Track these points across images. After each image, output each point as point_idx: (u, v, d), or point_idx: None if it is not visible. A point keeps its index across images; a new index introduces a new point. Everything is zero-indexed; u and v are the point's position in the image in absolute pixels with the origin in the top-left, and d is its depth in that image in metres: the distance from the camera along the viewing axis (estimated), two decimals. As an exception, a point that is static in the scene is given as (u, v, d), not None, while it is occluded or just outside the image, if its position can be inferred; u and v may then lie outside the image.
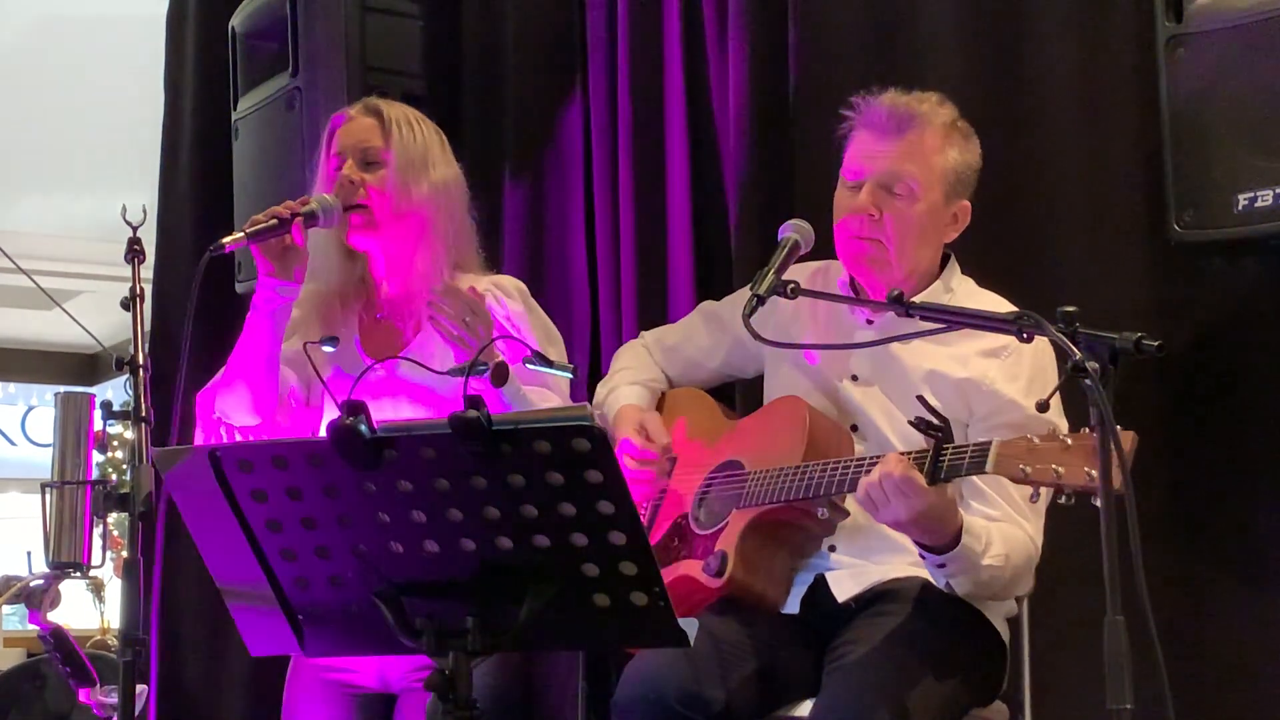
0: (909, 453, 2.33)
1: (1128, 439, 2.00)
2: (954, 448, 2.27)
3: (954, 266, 2.73)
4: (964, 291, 2.68)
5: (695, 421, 2.87)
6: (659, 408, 2.94)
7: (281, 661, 2.84)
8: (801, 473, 2.50)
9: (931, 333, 2.31)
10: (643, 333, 3.12)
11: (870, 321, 2.68)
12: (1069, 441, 2.13)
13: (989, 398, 2.53)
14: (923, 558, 2.41)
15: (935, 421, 2.23)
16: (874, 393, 2.63)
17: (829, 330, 2.71)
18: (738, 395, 3.17)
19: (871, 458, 2.40)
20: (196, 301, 2.41)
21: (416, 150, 2.78)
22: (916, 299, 2.54)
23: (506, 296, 2.80)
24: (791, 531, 2.60)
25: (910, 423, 2.26)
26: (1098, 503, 1.98)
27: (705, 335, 2.96)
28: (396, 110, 2.82)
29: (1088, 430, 2.05)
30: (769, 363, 2.82)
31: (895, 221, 2.59)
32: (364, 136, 2.78)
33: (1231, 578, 2.81)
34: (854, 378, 2.66)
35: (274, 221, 2.63)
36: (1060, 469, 2.12)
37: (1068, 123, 3.03)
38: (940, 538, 2.35)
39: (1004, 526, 2.47)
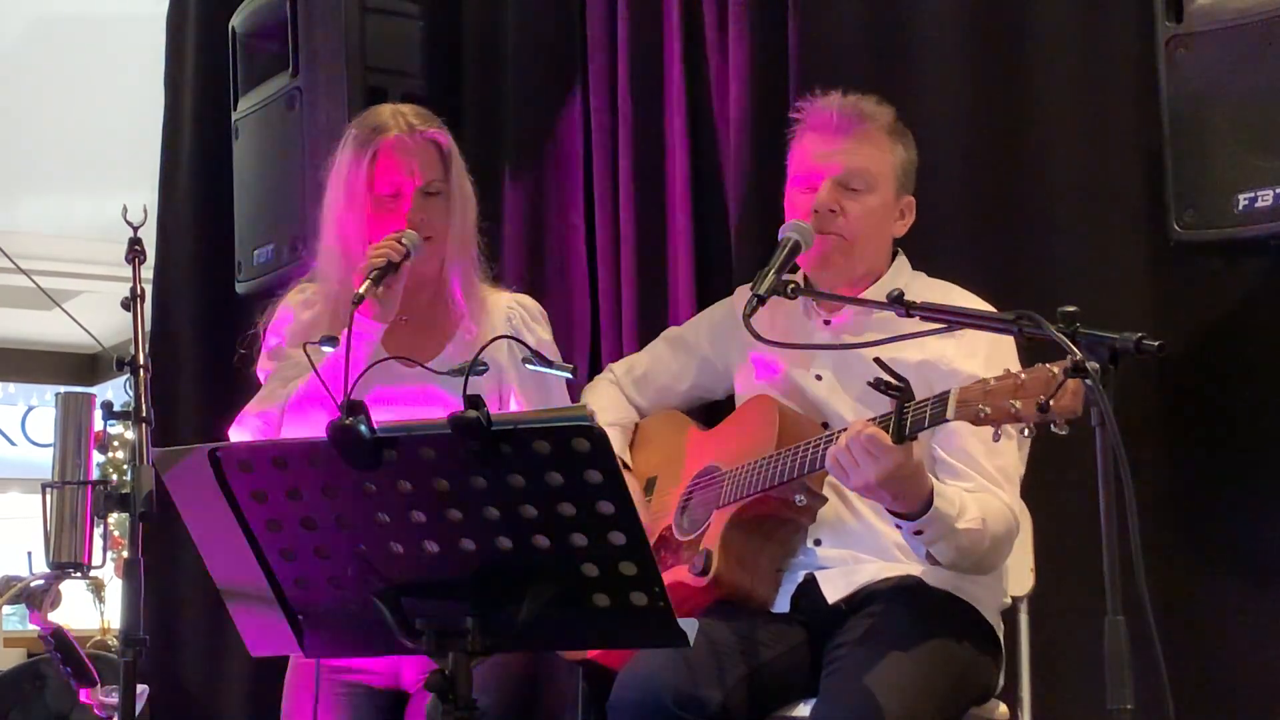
0: (874, 418, 2.34)
1: (1073, 384, 2.03)
2: (914, 404, 2.28)
3: (903, 261, 2.77)
4: (920, 284, 2.71)
5: (672, 441, 2.90)
6: (633, 440, 2.97)
7: (282, 661, 2.83)
8: (773, 460, 2.53)
9: (905, 337, 2.32)
10: (609, 366, 3.16)
11: (828, 323, 2.73)
12: (1023, 377, 2.14)
13: (948, 377, 2.53)
14: (898, 528, 2.42)
15: (894, 381, 2.24)
16: (838, 389, 2.67)
17: (787, 335, 2.72)
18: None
19: (837, 431, 2.42)
20: (198, 306, 2.40)
21: (463, 173, 2.84)
22: (866, 294, 2.66)
23: (534, 322, 2.87)
24: (773, 524, 2.62)
25: (869, 384, 2.27)
26: (1058, 430, 2.05)
27: (672, 360, 3.00)
28: (446, 135, 2.84)
29: (1041, 364, 2.10)
30: (738, 378, 2.86)
31: (855, 216, 2.65)
32: (428, 172, 2.79)
33: (1232, 578, 2.81)
34: (818, 377, 2.70)
35: (385, 263, 2.66)
36: (1016, 404, 2.13)
37: (1068, 123, 3.03)
38: (912, 501, 2.36)
39: (979, 495, 2.48)
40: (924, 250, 2.84)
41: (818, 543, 2.63)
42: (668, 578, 2.59)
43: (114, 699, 2.32)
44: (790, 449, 2.51)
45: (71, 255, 7.50)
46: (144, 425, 2.32)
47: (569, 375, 2.68)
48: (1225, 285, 2.83)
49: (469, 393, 1.78)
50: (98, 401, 2.49)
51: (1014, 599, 2.68)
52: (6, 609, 7.58)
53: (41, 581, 2.53)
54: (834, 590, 2.57)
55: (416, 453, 1.80)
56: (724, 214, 3.51)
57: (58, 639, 2.50)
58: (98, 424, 2.50)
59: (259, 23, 4.02)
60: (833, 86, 2.79)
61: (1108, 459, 1.92)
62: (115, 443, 7.12)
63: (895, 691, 2.33)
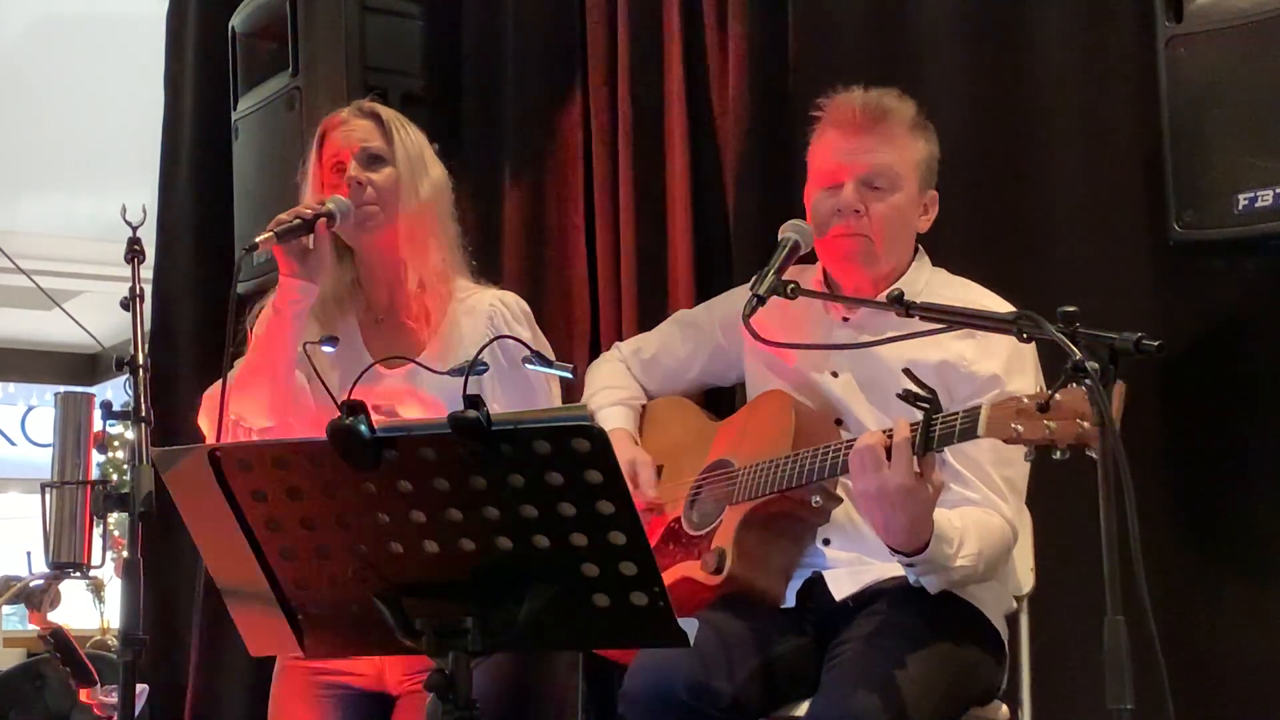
0: (887, 430, 2.32)
1: (1118, 390, 2.01)
2: (943, 416, 2.27)
3: (923, 257, 2.74)
4: (939, 281, 2.69)
5: (679, 429, 2.87)
6: (640, 421, 2.94)
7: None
8: (792, 461, 2.51)
9: (921, 334, 2.31)
10: (616, 344, 3.12)
11: (846, 319, 2.69)
12: (1057, 397, 2.11)
13: (967, 379, 2.53)
14: (893, 552, 2.40)
15: (923, 393, 2.23)
16: (854, 387, 2.64)
17: (804, 329, 2.70)
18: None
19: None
20: (198, 306, 2.40)
21: (416, 149, 2.83)
22: (889, 292, 2.58)
23: (516, 321, 2.83)
24: (787, 522, 2.60)
25: (898, 395, 2.26)
26: (1092, 453, 1.98)
27: (681, 345, 2.96)
28: (389, 111, 2.86)
29: (1073, 385, 2.04)
30: (749, 368, 2.83)
31: (880, 215, 2.61)
32: (365, 137, 2.80)
33: (1231, 578, 2.81)
34: (834, 374, 2.67)
35: (298, 221, 2.65)
36: (1051, 424, 2.11)
37: (1068, 123, 3.03)
38: (909, 539, 2.33)
39: (980, 518, 2.47)
40: (924, 249, 2.83)
41: (826, 542, 2.62)
42: (678, 572, 2.60)
43: (114, 699, 2.32)
44: (809, 450, 2.49)
45: (71, 255, 7.51)
46: (144, 425, 2.32)
47: (569, 375, 2.67)
48: (1225, 285, 2.83)
49: (468, 393, 1.78)
50: (97, 401, 2.50)
51: (1014, 599, 2.67)
52: (6, 609, 7.58)
53: (41, 581, 2.53)
54: (841, 588, 2.57)
55: (416, 453, 1.80)
56: (724, 214, 3.51)
57: (57, 639, 2.51)
58: (97, 424, 2.50)
59: (259, 23, 4.02)
60: (832, 87, 2.78)
61: (1107, 459, 1.92)
62: (115, 443, 7.11)
63: (893, 688, 2.33)
